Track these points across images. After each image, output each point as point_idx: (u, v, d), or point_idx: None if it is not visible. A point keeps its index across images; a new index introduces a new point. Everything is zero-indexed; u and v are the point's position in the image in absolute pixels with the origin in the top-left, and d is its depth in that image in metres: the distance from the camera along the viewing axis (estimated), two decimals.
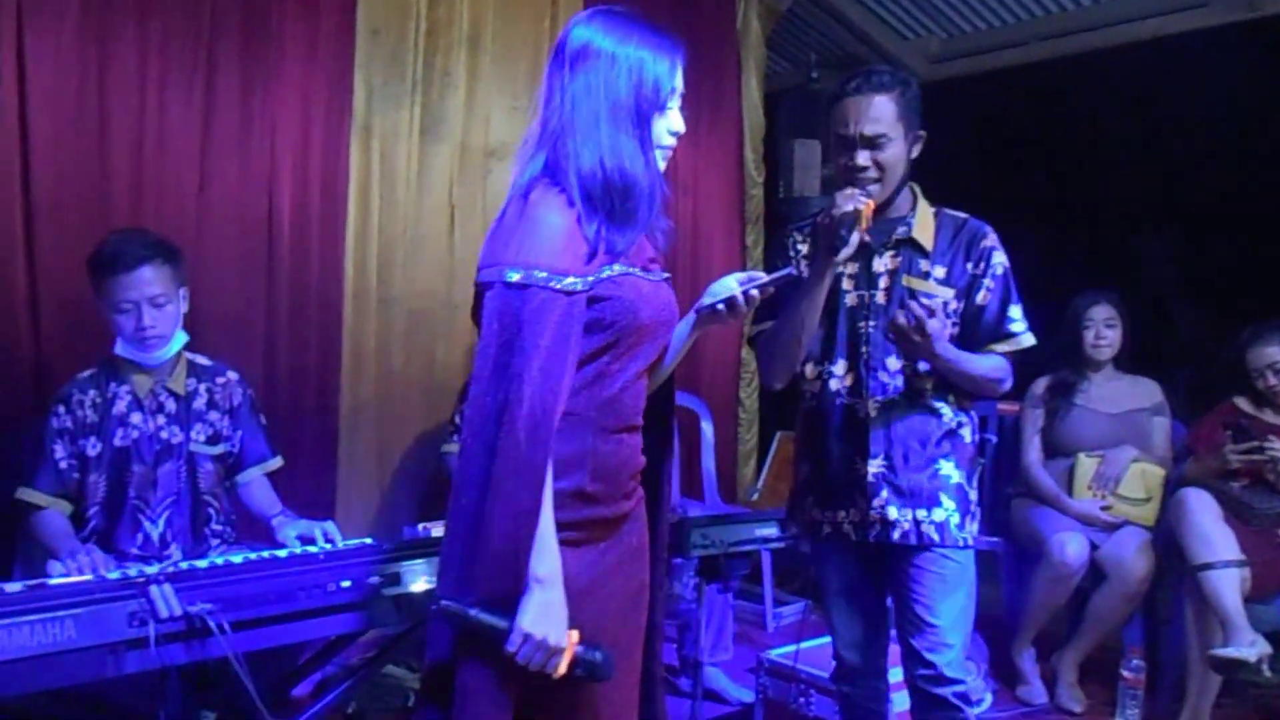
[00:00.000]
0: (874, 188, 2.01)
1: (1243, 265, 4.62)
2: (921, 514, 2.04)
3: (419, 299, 3.44)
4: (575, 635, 1.41)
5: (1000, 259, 2.09)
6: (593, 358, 1.48)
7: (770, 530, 2.52)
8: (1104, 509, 3.20)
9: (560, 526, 1.45)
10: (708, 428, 4.03)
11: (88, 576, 1.93)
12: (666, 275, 1.63)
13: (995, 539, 3.51)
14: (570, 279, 1.41)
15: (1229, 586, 2.77)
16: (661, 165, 1.56)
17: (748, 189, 4.56)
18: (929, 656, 2.04)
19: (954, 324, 2.06)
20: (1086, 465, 3.29)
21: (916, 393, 2.07)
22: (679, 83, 1.54)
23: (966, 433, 2.13)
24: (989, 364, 2.06)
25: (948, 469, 2.07)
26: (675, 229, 4.23)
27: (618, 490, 1.55)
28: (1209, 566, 2.81)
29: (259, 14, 3.07)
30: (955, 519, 2.05)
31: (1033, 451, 3.42)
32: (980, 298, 2.07)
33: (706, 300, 1.63)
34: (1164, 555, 3.07)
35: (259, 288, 3.10)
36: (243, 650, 1.69)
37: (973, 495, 2.11)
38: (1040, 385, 3.46)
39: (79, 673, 1.57)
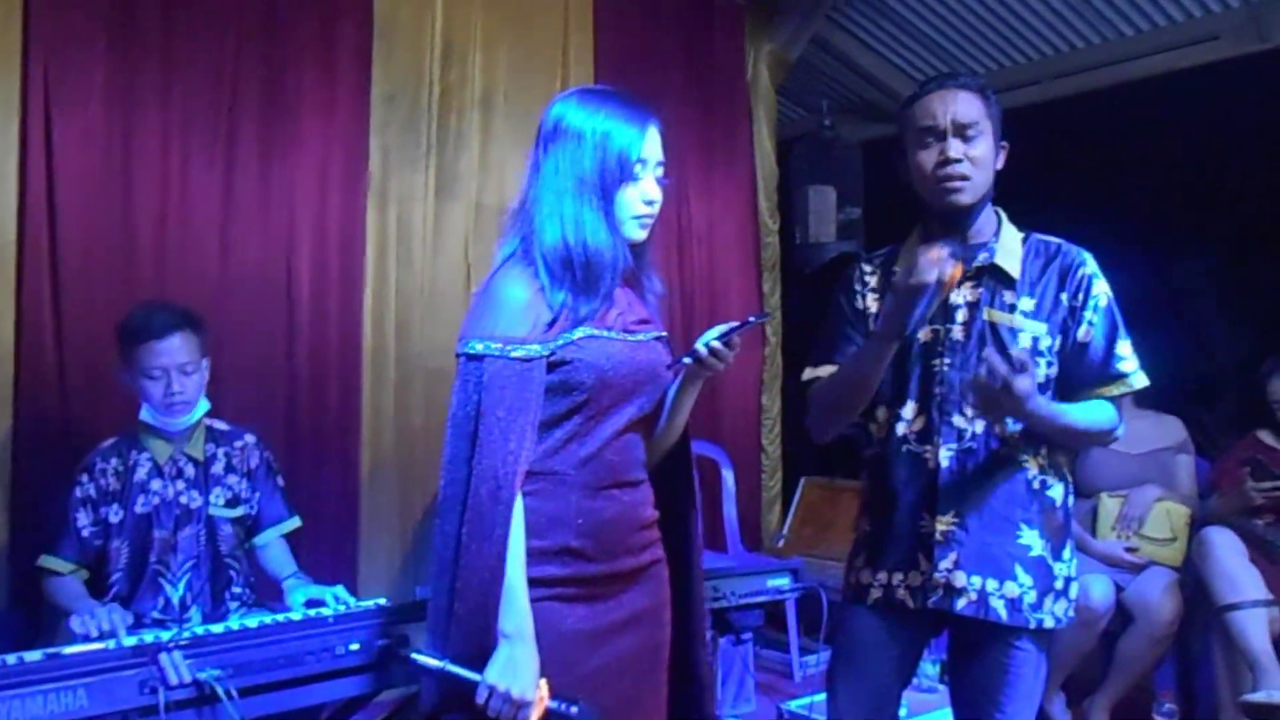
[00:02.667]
0: (963, 183, 1.80)
1: None
2: (992, 585, 1.78)
3: (437, 356, 3.49)
4: (545, 688, 1.46)
5: (1103, 289, 1.84)
6: (565, 418, 1.55)
7: (783, 581, 2.52)
8: (1128, 550, 3.16)
9: (551, 582, 1.53)
10: (729, 476, 4.04)
11: (105, 629, 1.99)
12: (659, 334, 1.67)
13: None
14: (526, 346, 1.49)
15: (1257, 627, 2.72)
16: (642, 233, 1.61)
17: (763, 237, 4.60)
18: None
19: (1049, 364, 1.82)
20: (1110, 506, 3.25)
21: (998, 441, 1.81)
22: (650, 152, 1.59)
23: (1057, 493, 1.85)
24: (1095, 415, 1.81)
25: (1029, 537, 1.80)
26: (690, 279, 4.27)
27: (615, 547, 1.58)
28: (1235, 607, 2.76)
29: (276, 84, 3.17)
30: (1031, 597, 1.79)
31: None
32: (1082, 333, 1.82)
33: (681, 356, 1.66)
34: (1192, 596, 3.03)
35: (279, 350, 3.17)
36: (251, 716, 1.72)
37: (1060, 570, 1.83)
38: None
39: None
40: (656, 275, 1.71)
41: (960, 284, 1.83)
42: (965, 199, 1.82)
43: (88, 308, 2.80)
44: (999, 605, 1.78)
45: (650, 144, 1.59)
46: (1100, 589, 3.05)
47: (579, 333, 1.53)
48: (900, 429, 1.87)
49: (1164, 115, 4.70)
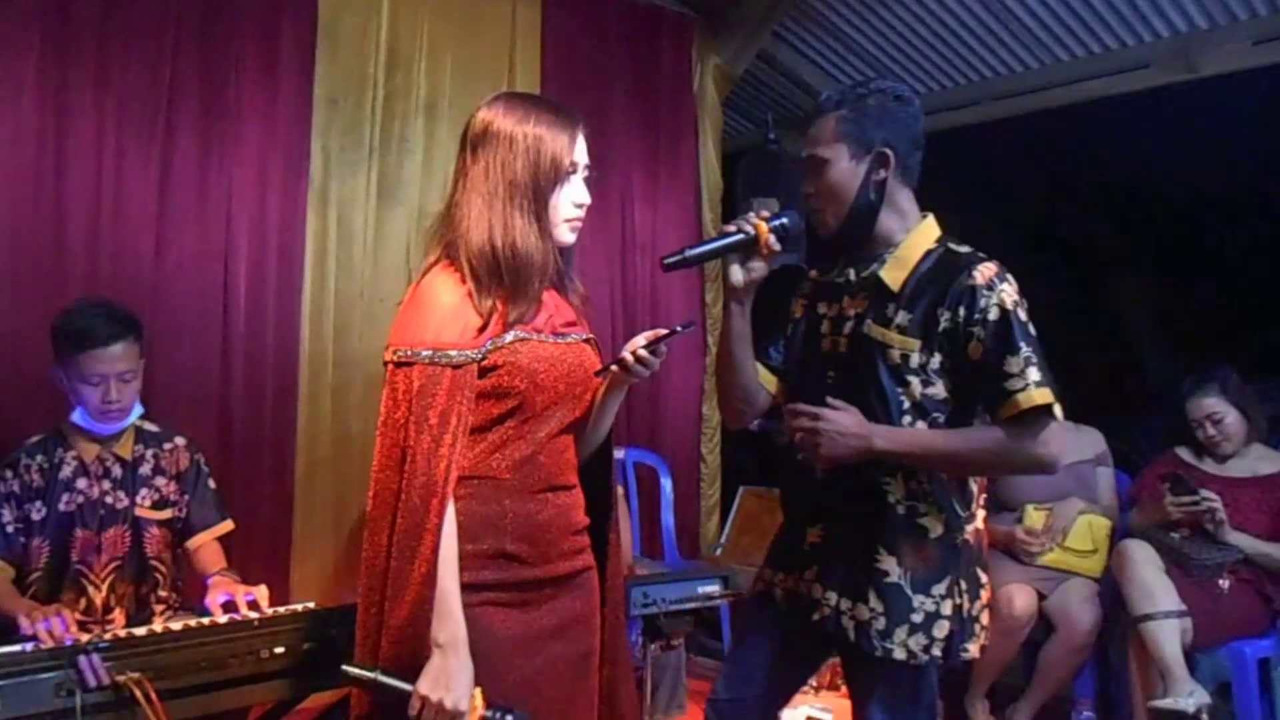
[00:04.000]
0: (816, 216, 1.85)
1: (1213, 313, 4.72)
2: (845, 604, 1.77)
3: (375, 362, 3.42)
4: (479, 697, 1.45)
5: (994, 300, 1.70)
6: (498, 421, 1.56)
7: (713, 587, 2.56)
8: (1045, 559, 3.24)
9: (485, 587, 1.52)
10: (667, 484, 4.07)
11: (58, 634, 1.93)
12: (587, 336, 1.69)
13: None
14: (455, 351, 1.49)
15: (1169, 637, 2.80)
16: (572, 237, 1.64)
17: None
18: None
19: (925, 383, 1.75)
20: (1035, 518, 3.33)
21: (864, 465, 1.73)
22: (580, 155, 1.61)
23: (931, 525, 1.75)
24: (975, 441, 1.73)
25: (887, 563, 1.74)
26: (633, 288, 4.29)
27: (548, 550, 1.59)
28: (1149, 617, 2.84)
29: (217, 84, 3.15)
30: (881, 624, 1.73)
31: None
32: (973, 351, 1.71)
33: (607, 363, 1.67)
34: (1110, 606, 3.11)
35: (215, 352, 3.15)
36: (176, 719, 1.71)
37: (920, 603, 1.73)
38: None
39: None
40: (578, 277, 1.72)
41: (854, 294, 1.85)
42: (822, 230, 1.87)
43: (16, 305, 2.75)
44: (849, 626, 1.76)
45: (580, 148, 1.61)
46: (1022, 599, 3.13)
47: (510, 336, 1.54)
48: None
49: (1098, 139, 4.84)
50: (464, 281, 1.55)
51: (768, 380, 1.97)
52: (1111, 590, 3.11)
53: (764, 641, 1.95)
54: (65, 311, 2.38)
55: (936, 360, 1.74)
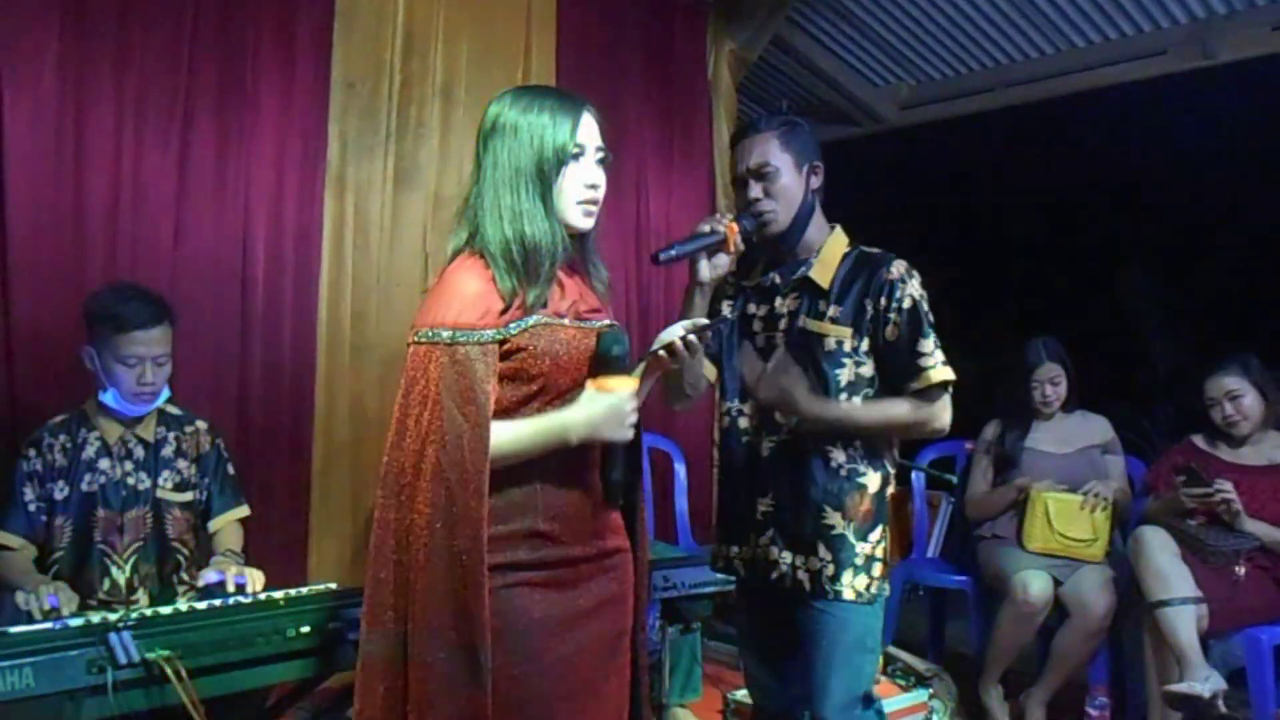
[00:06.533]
0: (769, 216, 2.04)
1: (1225, 301, 4.71)
2: (800, 560, 2.02)
3: (392, 345, 3.49)
4: None
5: (908, 291, 2.00)
6: (523, 403, 1.58)
7: None
8: (1048, 547, 3.25)
9: (519, 567, 1.55)
10: (681, 469, 4.08)
11: (46, 609, 1.99)
12: (611, 323, 1.71)
13: (963, 577, 3.56)
14: (479, 331, 1.52)
15: (1184, 623, 2.81)
16: (588, 220, 1.66)
17: None
18: (810, 706, 2.01)
19: (858, 364, 2.02)
20: (1045, 499, 3.30)
21: (808, 434, 2.02)
22: (586, 138, 1.63)
23: (869, 481, 2.04)
24: (890, 411, 2.01)
25: (833, 518, 2.00)
26: (646, 274, 4.30)
27: (581, 529, 1.62)
28: (1165, 603, 2.85)
29: (234, 68, 3.15)
30: (830, 570, 1.99)
31: (977, 488, 3.49)
32: (889, 334, 2.01)
33: (652, 347, 1.70)
34: (1125, 593, 3.12)
35: (233, 336, 3.15)
36: (201, 697, 1.73)
37: (862, 549, 2.01)
38: (989, 430, 3.54)
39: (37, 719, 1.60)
40: (602, 263, 1.75)
41: (785, 295, 2.09)
42: (773, 228, 2.06)
43: (36, 289, 2.76)
44: (804, 578, 2.01)
45: (585, 130, 1.63)
46: (1038, 584, 3.14)
47: (531, 320, 1.57)
48: (741, 422, 2.13)
49: (1112, 126, 4.83)
50: (487, 268, 1.58)
51: (709, 370, 2.18)
52: (1126, 576, 3.12)
53: (744, 613, 2.22)
54: (99, 294, 2.41)
55: (865, 344, 2.02)
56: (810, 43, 5.07)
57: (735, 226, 1.97)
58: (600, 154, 1.65)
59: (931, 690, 3.14)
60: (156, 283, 2.83)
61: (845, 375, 2.01)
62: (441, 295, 1.57)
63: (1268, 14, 4.24)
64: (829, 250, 2.09)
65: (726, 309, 2.18)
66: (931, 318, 2.01)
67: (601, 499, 1.65)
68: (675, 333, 1.67)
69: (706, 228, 1.96)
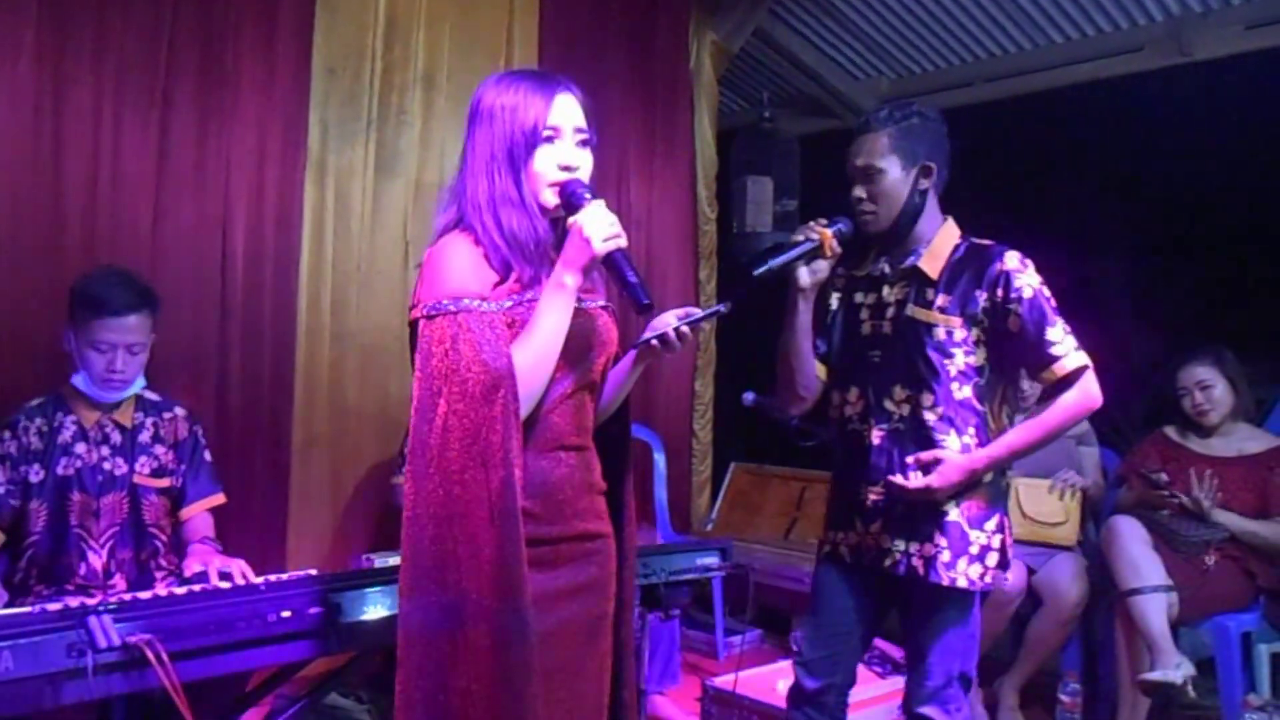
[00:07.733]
0: (868, 217, 2.11)
1: (1198, 296, 4.75)
2: (914, 546, 2.04)
3: (372, 333, 3.49)
4: None
5: (1026, 281, 2.01)
6: None
7: (712, 559, 2.57)
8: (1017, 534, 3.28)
9: None
10: (660, 459, 4.10)
11: None
12: (605, 304, 1.71)
13: None
14: (479, 301, 1.52)
15: (1155, 611, 2.85)
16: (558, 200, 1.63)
17: (700, 225, 4.66)
18: (911, 685, 2.12)
19: (967, 354, 2.04)
20: (1019, 488, 3.33)
21: (920, 423, 2.05)
22: (561, 118, 1.60)
23: (984, 472, 2.06)
24: (1048, 423, 2.01)
25: (947, 506, 2.03)
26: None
27: (563, 508, 1.61)
28: (1137, 592, 2.89)
29: (215, 52, 3.12)
30: (945, 556, 2.00)
31: None
32: (1011, 325, 2.01)
33: (645, 336, 1.70)
34: (1097, 581, 3.16)
35: (213, 323, 3.13)
36: (182, 680, 1.72)
37: (976, 537, 2.03)
38: None
39: (16, 703, 1.58)
40: None
41: (893, 284, 2.13)
42: (872, 228, 2.13)
43: (14, 273, 2.74)
44: (918, 564, 2.03)
45: (560, 110, 1.60)
46: (1012, 573, 3.17)
47: (529, 296, 1.56)
48: (848, 411, 2.16)
49: (1088, 122, 4.87)
50: (477, 244, 1.58)
51: (820, 369, 2.23)
52: (1099, 565, 3.16)
53: (838, 598, 2.19)
54: (86, 276, 2.39)
55: (975, 334, 2.05)
56: (792, 35, 5.08)
57: (829, 233, 2.05)
58: (580, 135, 1.63)
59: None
60: (135, 267, 2.79)
61: (955, 365, 2.04)
62: (435, 269, 1.56)
63: (1242, 13, 4.30)
64: (940, 241, 2.12)
65: (834, 301, 2.24)
66: (1054, 303, 2.02)
67: (586, 482, 1.65)
68: (668, 322, 1.66)
69: (800, 237, 2.05)
